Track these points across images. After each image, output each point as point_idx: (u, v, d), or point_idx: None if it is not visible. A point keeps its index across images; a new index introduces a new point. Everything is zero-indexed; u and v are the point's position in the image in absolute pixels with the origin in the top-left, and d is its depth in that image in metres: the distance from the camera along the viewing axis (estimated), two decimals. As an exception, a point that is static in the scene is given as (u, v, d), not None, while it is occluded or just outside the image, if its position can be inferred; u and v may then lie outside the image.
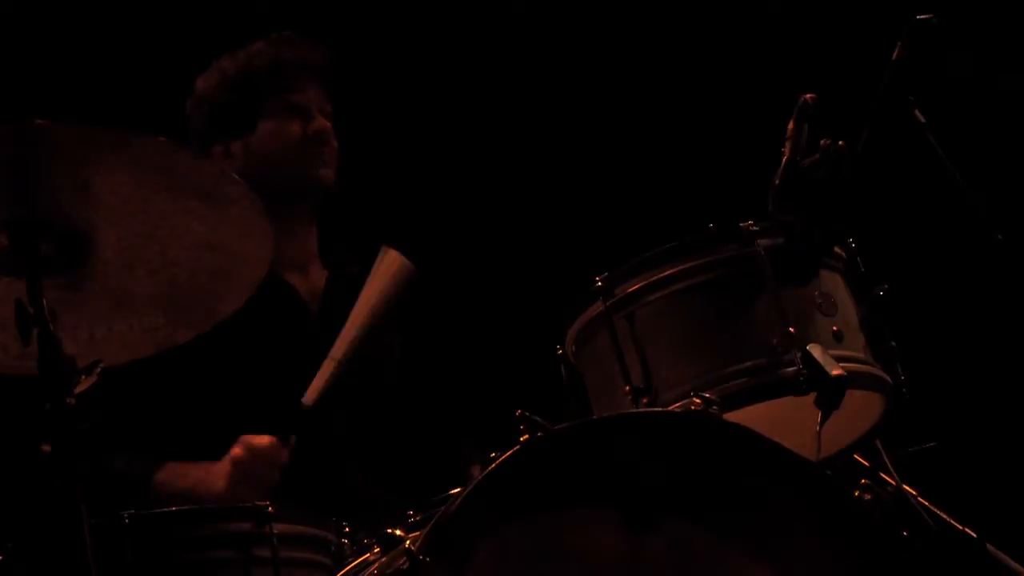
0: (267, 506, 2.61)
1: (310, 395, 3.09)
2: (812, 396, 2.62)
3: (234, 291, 2.56)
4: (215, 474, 3.12)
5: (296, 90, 3.53)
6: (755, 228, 2.70)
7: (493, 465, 2.35)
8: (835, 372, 2.60)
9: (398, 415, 3.51)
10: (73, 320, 2.42)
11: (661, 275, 2.70)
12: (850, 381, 2.61)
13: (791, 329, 2.63)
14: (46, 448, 2.24)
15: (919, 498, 2.87)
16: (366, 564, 2.55)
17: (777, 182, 2.76)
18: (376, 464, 3.42)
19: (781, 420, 2.60)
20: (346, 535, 2.71)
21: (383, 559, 2.47)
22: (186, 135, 3.59)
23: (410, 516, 2.52)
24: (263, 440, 3.09)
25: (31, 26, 4.28)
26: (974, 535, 2.89)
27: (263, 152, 3.49)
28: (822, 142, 2.79)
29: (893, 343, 2.76)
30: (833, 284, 2.75)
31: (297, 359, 3.32)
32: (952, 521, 2.88)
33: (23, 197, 2.36)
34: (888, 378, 2.73)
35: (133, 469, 3.18)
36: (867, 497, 2.79)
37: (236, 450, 3.10)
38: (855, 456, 2.89)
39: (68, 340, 2.37)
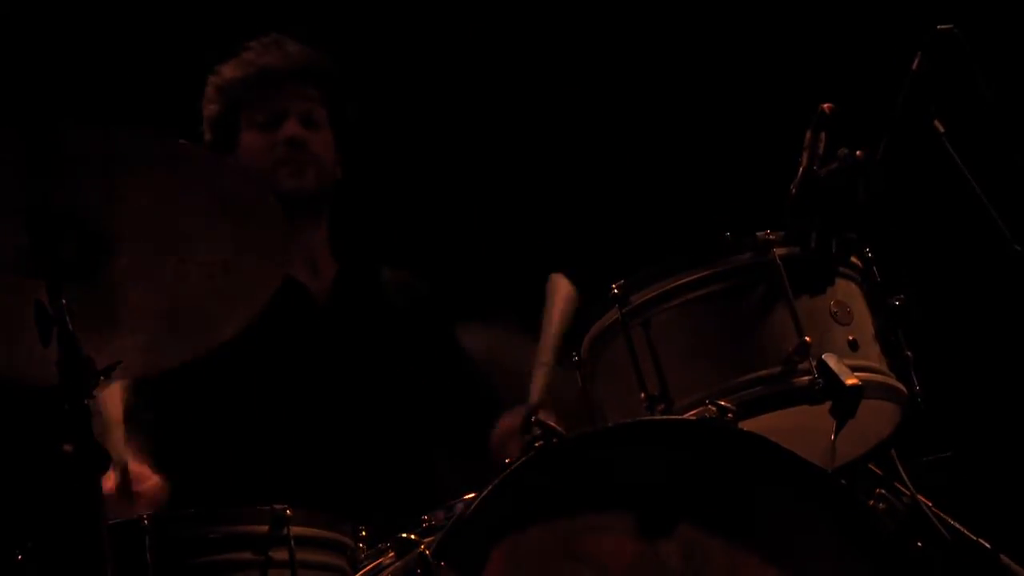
0: (285, 508, 2.62)
1: (534, 396, 3.04)
2: (827, 405, 2.63)
3: (235, 317, 2.55)
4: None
5: (270, 98, 3.48)
6: (771, 237, 2.71)
7: (508, 470, 2.36)
8: (850, 381, 2.60)
9: (413, 420, 3.52)
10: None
11: (677, 283, 2.71)
12: (865, 391, 2.61)
13: (806, 338, 2.64)
14: (67, 448, 2.25)
15: (933, 508, 2.87)
16: (380, 568, 2.56)
17: (794, 191, 2.76)
18: (391, 468, 3.43)
19: (796, 429, 2.61)
20: (362, 538, 2.72)
21: (398, 563, 2.48)
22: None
23: (424, 520, 2.53)
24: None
25: (98, 29, 4.27)
26: (988, 545, 2.89)
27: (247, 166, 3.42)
28: (840, 151, 2.79)
29: (909, 353, 2.76)
30: (849, 293, 2.75)
31: (306, 357, 3.33)
32: (966, 531, 2.88)
33: (56, 199, 2.35)
34: (903, 388, 2.73)
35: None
36: (881, 506, 2.79)
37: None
38: (870, 465, 2.89)
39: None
